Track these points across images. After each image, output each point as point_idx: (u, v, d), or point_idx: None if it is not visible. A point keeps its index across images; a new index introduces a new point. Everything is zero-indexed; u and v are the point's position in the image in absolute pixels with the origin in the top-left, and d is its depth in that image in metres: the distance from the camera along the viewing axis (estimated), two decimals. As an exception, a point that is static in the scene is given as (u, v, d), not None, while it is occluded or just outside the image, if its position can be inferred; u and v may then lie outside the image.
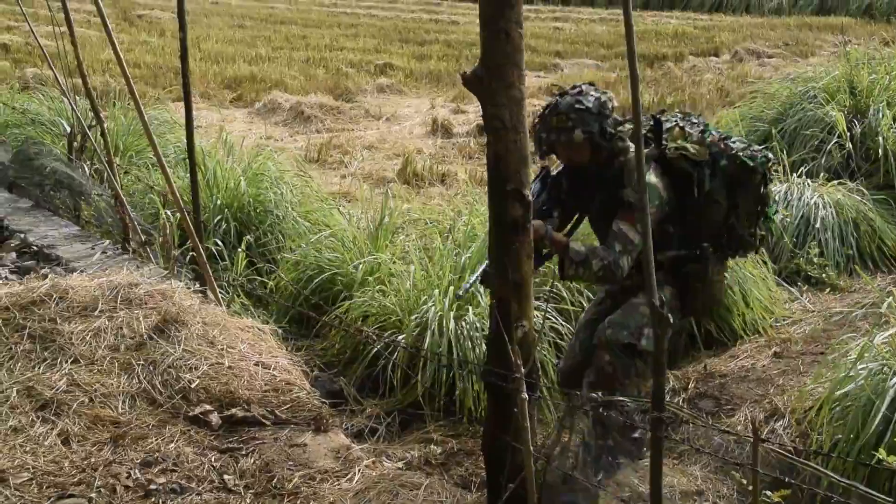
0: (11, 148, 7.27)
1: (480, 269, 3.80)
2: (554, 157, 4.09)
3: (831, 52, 14.29)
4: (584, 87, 4.02)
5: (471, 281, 3.91)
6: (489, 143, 3.11)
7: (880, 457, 3.16)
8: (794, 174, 7.14)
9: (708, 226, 4.08)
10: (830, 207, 6.70)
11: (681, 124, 4.16)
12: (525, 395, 2.88)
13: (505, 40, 2.98)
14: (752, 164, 4.03)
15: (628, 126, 3.98)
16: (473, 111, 11.87)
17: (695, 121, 4.21)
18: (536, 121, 3.97)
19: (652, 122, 4.08)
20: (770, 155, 4.19)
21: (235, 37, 18.87)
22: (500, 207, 3.14)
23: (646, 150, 3.92)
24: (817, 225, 6.58)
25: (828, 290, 6.25)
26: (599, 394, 3.61)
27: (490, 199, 3.19)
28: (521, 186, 3.09)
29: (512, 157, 3.07)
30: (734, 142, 4.12)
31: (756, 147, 4.19)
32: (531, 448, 2.97)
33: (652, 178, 3.92)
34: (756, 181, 4.09)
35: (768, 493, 2.89)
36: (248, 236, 6.16)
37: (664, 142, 4.03)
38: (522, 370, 2.87)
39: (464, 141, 10.79)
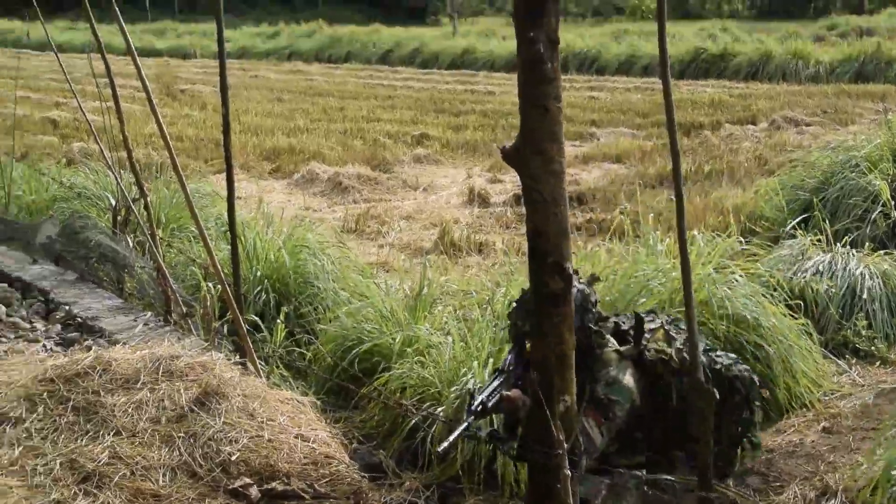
0: (59, 222, 7.40)
1: (488, 390, 3.57)
2: None
3: (871, 120, 14.23)
4: None
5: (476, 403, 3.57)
6: (528, 217, 3.13)
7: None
8: (838, 244, 7.06)
9: (682, 438, 3.86)
10: (877, 278, 6.58)
11: (666, 327, 3.99)
12: (568, 472, 2.85)
13: (544, 115, 3.02)
14: (728, 386, 3.85)
15: (611, 322, 3.90)
16: (510, 180, 11.92)
17: (682, 327, 4.02)
18: (514, 307, 3.79)
19: (634, 321, 3.92)
20: (755, 378, 3.99)
21: (274, 110, 19.18)
22: (540, 280, 3.14)
23: (623, 349, 3.81)
24: (864, 296, 6.46)
25: (878, 363, 6.11)
26: (643, 472, 3.56)
27: (531, 272, 3.20)
28: (561, 259, 3.10)
29: (551, 230, 3.08)
30: (719, 355, 3.95)
31: (743, 366, 3.99)
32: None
33: (626, 377, 3.74)
34: (736, 401, 3.90)
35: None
36: (287, 307, 6.19)
37: (644, 342, 3.86)
38: (565, 446, 2.85)
39: (501, 210, 10.83)
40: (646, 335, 3.87)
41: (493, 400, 3.50)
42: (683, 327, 3.98)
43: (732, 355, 4.03)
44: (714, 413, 3.72)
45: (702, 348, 3.83)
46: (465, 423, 3.47)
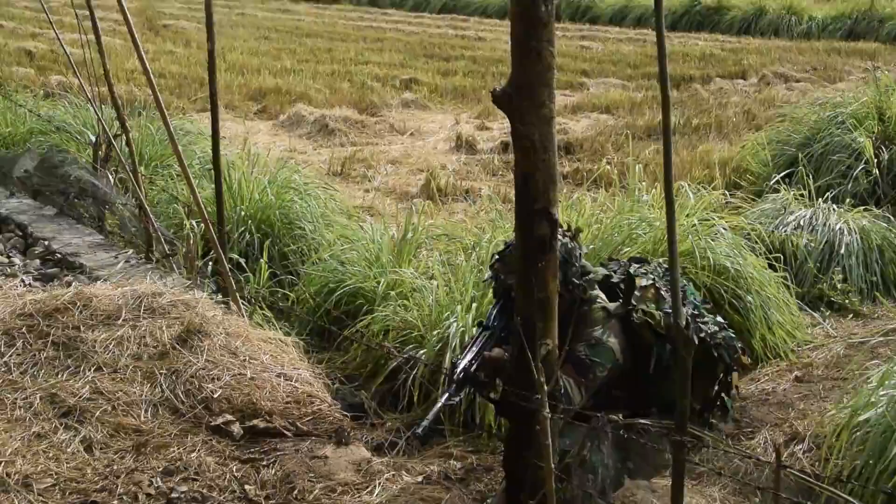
0: (37, 155, 7.32)
1: (470, 354, 3.52)
2: None
3: (860, 78, 14.21)
4: None
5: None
6: (517, 162, 3.11)
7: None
8: (820, 199, 7.12)
9: (660, 399, 3.79)
10: (855, 233, 6.67)
11: (658, 284, 3.86)
12: (548, 414, 2.88)
13: (536, 59, 2.99)
14: (715, 353, 3.79)
15: (601, 272, 3.83)
16: (498, 128, 11.88)
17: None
18: (496, 258, 3.75)
19: (624, 274, 3.86)
20: (739, 345, 3.92)
21: (261, 49, 18.97)
22: (528, 226, 3.14)
23: (612, 305, 3.74)
24: (842, 251, 6.55)
25: (850, 315, 6.23)
26: (620, 416, 3.59)
27: (517, 218, 3.19)
28: (548, 205, 3.10)
29: (540, 176, 3.07)
30: (705, 321, 3.86)
31: (731, 334, 3.91)
32: (552, 466, 2.97)
33: (610, 338, 3.66)
34: (718, 370, 3.84)
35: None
36: (271, 248, 6.18)
37: (633, 302, 3.78)
38: (545, 388, 2.87)
39: (488, 157, 10.80)
40: (636, 293, 3.81)
41: (476, 363, 3.46)
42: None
43: (720, 320, 3.95)
44: (694, 375, 3.69)
45: (689, 312, 3.78)
46: (446, 395, 3.42)
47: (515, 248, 3.29)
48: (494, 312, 3.64)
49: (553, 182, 3.11)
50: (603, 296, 3.81)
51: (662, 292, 3.81)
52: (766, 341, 5.56)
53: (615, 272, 3.95)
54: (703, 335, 3.77)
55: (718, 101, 13.43)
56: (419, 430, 3.36)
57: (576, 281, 3.67)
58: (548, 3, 2.93)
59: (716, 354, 3.79)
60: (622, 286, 3.84)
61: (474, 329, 4.85)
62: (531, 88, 3.01)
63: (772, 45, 19.61)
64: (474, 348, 3.54)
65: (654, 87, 14.55)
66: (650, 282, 3.85)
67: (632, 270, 3.90)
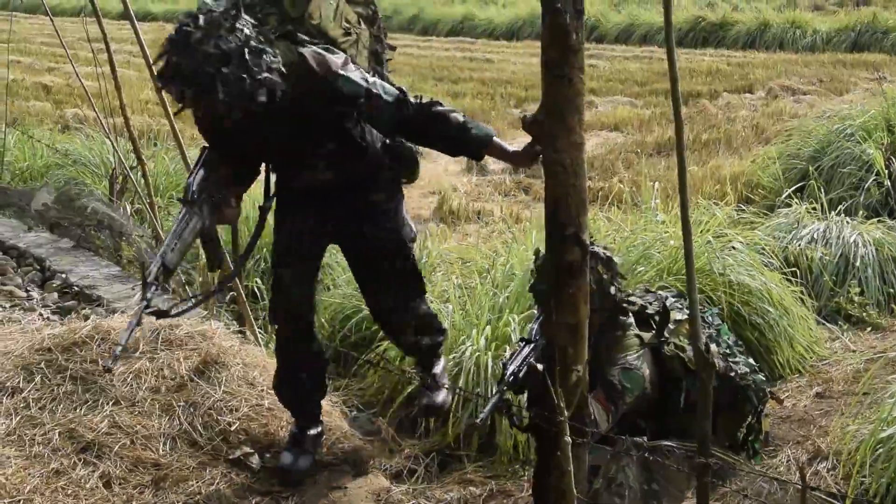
0: (54, 189, 7.37)
1: (518, 360, 3.50)
2: None
3: (866, 89, 14.20)
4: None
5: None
6: (548, 187, 3.10)
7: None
8: (833, 212, 7.10)
9: (687, 434, 3.65)
10: (870, 245, 6.63)
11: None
12: (568, 439, 2.86)
13: (567, 86, 2.99)
14: (740, 395, 3.72)
15: (637, 302, 3.80)
16: (509, 149, 11.88)
17: (709, 319, 3.91)
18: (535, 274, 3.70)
19: (661, 307, 3.80)
20: (769, 390, 3.88)
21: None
22: (558, 251, 3.13)
23: (646, 335, 3.71)
24: (857, 263, 6.52)
25: (869, 329, 6.18)
26: (644, 438, 3.56)
27: (547, 242, 3.19)
28: (579, 230, 3.09)
29: (571, 202, 3.06)
30: (737, 361, 3.79)
31: (762, 377, 3.85)
32: (575, 491, 2.95)
33: (643, 366, 3.62)
34: (746, 411, 3.77)
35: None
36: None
37: (666, 335, 3.73)
38: (566, 414, 2.86)
39: (499, 178, 10.81)
40: (669, 325, 3.76)
41: (523, 370, 3.45)
42: (710, 319, 3.90)
43: (752, 362, 3.88)
44: (720, 415, 3.64)
45: (721, 351, 3.76)
46: (499, 394, 3.42)
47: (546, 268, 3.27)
48: (536, 326, 3.62)
49: (584, 207, 3.10)
50: (635, 326, 3.78)
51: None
52: (786, 357, 5.53)
53: (650, 304, 3.92)
54: (732, 374, 3.72)
55: (726, 115, 13.42)
56: (478, 421, 3.42)
57: (618, 296, 3.66)
58: (579, 32, 2.94)
59: (744, 395, 3.74)
60: (656, 318, 3.80)
61: (490, 353, 4.86)
62: (562, 115, 3.01)
63: (777, 58, 19.59)
64: (521, 355, 3.51)
65: (661, 104, 14.56)
66: (685, 316, 3.79)
67: (668, 303, 3.87)
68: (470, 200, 9.65)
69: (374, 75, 3.56)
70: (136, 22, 5.14)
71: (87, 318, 4.77)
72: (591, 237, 3.52)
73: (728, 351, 3.81)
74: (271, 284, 3.98)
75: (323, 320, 5.80)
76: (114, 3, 6.32)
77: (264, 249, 6.41)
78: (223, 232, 5.35)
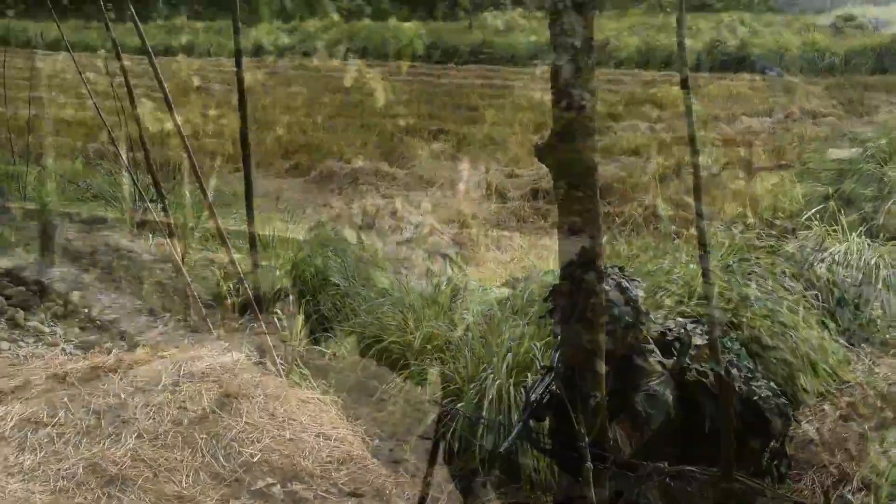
0: (76, 223, 7.44)
1: (541, 388, 3.51)
2: None
3: (887, 112, 14.14)
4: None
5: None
6: (561, 212, 3.10)
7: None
8: (854, 234, 7.05)
9: (711, 459, 3.67)
10: (892, 267, 6.58)
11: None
12: (590, 465, 2.86)
13: (579, 110, 2.99)
14: (763, 419, 3.72)
15: (657, 328, 3.79)
16: (527, 174, 11.89)
17: (729, 345, 3.91)
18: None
19: (683, 330, 3.81)
20: (790, 413, 3.85)
21: (291, 105, 19.17)
22: (574, 277, 3.12)
23: (668, 361, 3.71)
24: (878, 285, 6.47)
25: (892, 351, 6.12)
26: (666, 464, 3.54)
27: (562, 269, 3.18)
28: (594, 256, 3.09)
29: (585, 227, 3.07)
30: (759, 385, 3.79)
31: (784, 401, 3.82)
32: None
33: (666, 392, 3.61)
34: (769, 434, 3.75)
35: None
36: (307, 306, 6.21)
37: (687, 361, 3.72)
38: (587, 439, 2.86)
39: (518, 205, 10.81)
40: (691, 351, 3.75)
41: (546, 398, 3.45)
42: (730, 345, 3.89)
43: (774, 386, 3.88)
44: (746, 438, 3.66)
45: (742, 375, 3.73)
46: (522, 422, 3.44)
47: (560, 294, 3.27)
48: (557, 355, 3.60)
49: (598, 232, 3.10)
50: (658, 351, 3.76)
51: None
52: (809, 380, 5.47)
53: (671, 329, 3.89)
54: (755, 398, 3.70)
55: (745, 139, 13.39)
56: (502, 449, 3.58)
57: (643, 326, 3.65)
58: (590, 54, 2.94)
59: (767, 419, 3.72)
60: (677, 344, 3.78)
61: (511, 381, 4.85)
62: (574, 140, 3.01)
63: (797, 81, 19.54)
64: (543, 383, 3.51)
65: (679, 129, 14.52)
66: (705, 342, 3.76)
67: (688, 328, 3.85)
68: (490, 227, 9.66)
69: None
70: (153, 57, 5.21)
71: (109, 351, 4.79)
72: (615, 265, 3.53)
73: (749, 375, 3.79)
74: None
75: (343, 350, 5.81)
76: (132, 39, 6.45)
77: (285, 280, 6.45)
78: (243, 262, 5.39)
